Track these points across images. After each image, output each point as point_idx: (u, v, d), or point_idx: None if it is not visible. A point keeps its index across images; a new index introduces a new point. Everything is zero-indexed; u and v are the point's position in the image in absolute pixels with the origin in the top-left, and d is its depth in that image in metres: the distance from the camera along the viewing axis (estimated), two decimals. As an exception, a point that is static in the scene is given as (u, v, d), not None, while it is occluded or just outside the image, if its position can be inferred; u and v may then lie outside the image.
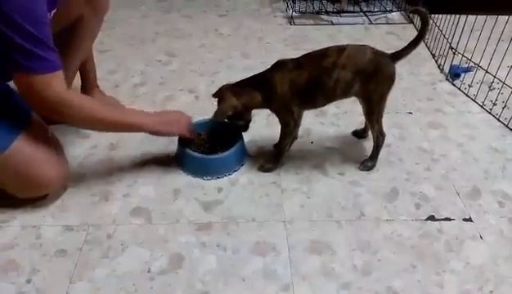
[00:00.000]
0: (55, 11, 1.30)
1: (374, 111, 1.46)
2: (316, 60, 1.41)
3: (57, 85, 1.21)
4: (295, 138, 1.58)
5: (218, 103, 1.45)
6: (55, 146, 1.39)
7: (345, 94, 1.44)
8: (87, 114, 1.29)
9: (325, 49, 1.42)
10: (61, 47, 1.28)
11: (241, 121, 1.49)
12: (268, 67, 1.44)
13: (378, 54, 1.42)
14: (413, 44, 1.41)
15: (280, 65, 1.42)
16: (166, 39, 2.34)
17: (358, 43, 1.47)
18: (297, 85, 1.40)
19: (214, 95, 1.47)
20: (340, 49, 1.40)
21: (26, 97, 1.24)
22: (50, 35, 1.17)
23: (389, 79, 1.42)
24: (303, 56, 1.44)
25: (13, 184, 1.35)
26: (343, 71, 1.38)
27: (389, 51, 1.42)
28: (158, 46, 2.29)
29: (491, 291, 1.16)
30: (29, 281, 1.18)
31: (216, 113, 1.43)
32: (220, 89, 1.46)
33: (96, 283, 1.18)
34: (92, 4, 1.57)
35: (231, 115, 1.44)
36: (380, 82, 1.41)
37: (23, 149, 1.30)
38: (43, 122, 1.42)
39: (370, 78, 1.39)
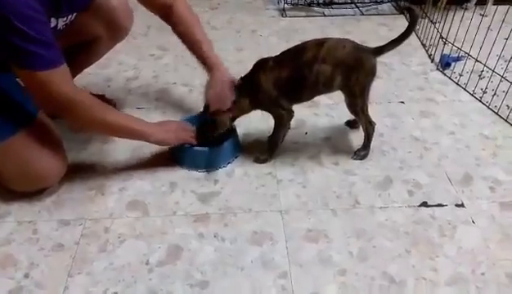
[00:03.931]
0: (65, 20, 1.32)
1: (357, 103, 1.46)
2: (296, 54, 1.42)
3: (59, 81, 1.20)
4: (288, 128, 1.59)
5: (211, 114, 1.44)
6: (57, 142, 1.40)
7: (328, 87, 1.45)
8: (95, 116, 1.31)
9: (304, 43, 1.43)
10: (70, 60, 1.30)
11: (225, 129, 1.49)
12: (250, 69, 1.45)
13: (357, 48, 1.42)
14: (397, 41, 1.40)
15: (261, 65, 1.43)
16: (158, 33, 2.33)
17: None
18: (280, 81, 1.41)
19: (208, 112, 1.46)
20: (319, 43, 1.41)
21: (29, 92, 1.24)
22: (45, 32, 1.16)
23: (370, 73, 1.43)
24: (284, 52, 1.44)
25: (12, 176, 1.36)
26: (323, 65, 1.39)
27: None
28: (150, 40, 2.28)
29: (483, 273, 1.19)
30: (27, 275, 1.19)
31: (213, 130, 1.45)
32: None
33: (95, 276, 1.18)
34: (112, 30, 1.60)
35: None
36: (361, 75, 1.41)
37: (25, 141, 1.31)
38: (49, 118, 1.43)
39: (351, 72, 1.40)
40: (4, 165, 1.33)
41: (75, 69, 1.67)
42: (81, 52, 1.64)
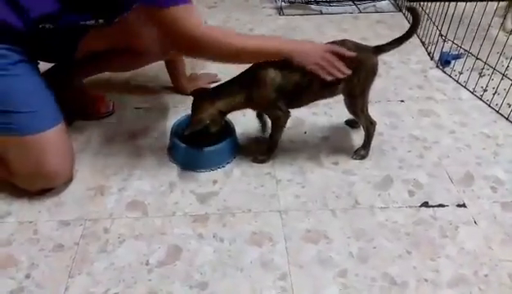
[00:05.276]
0: None
1: (357, 104, 1.45)
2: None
3: (189, 16, 1.24)
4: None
5: (194, 109, 1.42)
6: (71, 144, 1.44)
7: (332, 93, 1.44)
8: (227, 46, 1.31)
9: None
10: (109, 60, 1.49)
11: (215, 127, 1.44)
12: (249, 68, 1.42)
13: (358, 47, 1.41)
14: (399, 40, 1.39)
15: (262, 66, 1.39)
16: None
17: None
18: (283, 88, 1.38)
19: (191, 94, 1.46)
20: None
21: (159, 31, 1.30)
22: None
23: (371, 72, 1.41)
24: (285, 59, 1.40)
25: (26, 170, 1.35)
26: None
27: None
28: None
29: (486, 275, 1.18)
30: (28, 276, 1.18)
31: (192, 123, 1.40)
32: (197, 93, 1.44)
33: (96, 277, 1.18)
34: (167, 50, 1.56)
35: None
36: (362, 75, 1.40)
37: (51, 138, 1.35)
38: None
39: (352, 73, 1.38)
40: (22, 159, 1.33)
41: (112, 67, 1.73)
42: (124, 57, 1.61)
